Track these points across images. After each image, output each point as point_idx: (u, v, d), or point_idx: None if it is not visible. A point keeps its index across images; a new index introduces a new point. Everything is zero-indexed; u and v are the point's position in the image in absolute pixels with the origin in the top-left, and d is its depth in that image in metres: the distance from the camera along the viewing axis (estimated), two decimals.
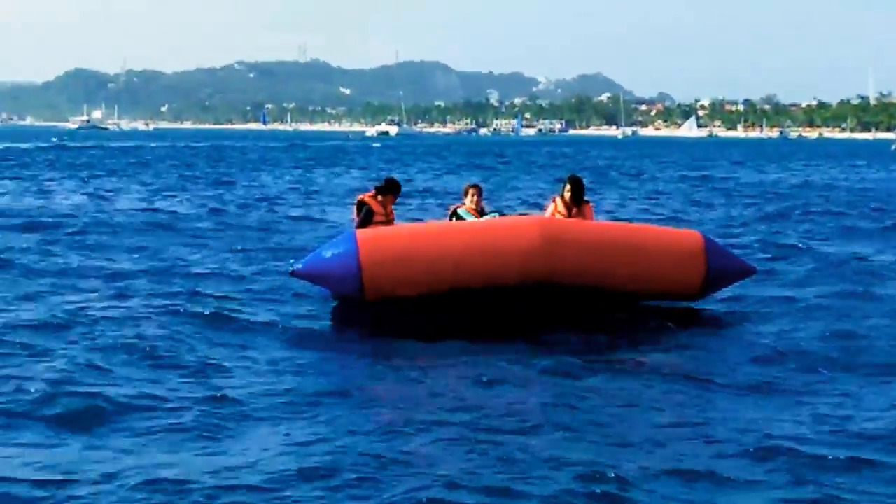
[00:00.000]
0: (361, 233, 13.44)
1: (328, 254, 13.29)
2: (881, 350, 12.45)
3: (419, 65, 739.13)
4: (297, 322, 13.58)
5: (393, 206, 15.01)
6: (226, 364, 11.23)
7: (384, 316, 13.15)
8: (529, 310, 13.28)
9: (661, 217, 29.78)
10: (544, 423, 9.06)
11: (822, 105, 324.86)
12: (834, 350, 12.36)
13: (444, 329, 12.63)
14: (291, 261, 15.15)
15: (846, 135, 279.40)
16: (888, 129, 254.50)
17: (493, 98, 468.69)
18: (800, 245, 23.01)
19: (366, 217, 14.51)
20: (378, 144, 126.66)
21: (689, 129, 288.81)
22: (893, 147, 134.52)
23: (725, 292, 14.94)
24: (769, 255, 21.05)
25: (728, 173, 64.76)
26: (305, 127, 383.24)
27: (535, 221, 13.70)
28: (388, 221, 14.66)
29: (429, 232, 13.84)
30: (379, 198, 14.78)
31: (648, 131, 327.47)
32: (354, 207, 15.00)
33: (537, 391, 10.32)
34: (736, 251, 16.91)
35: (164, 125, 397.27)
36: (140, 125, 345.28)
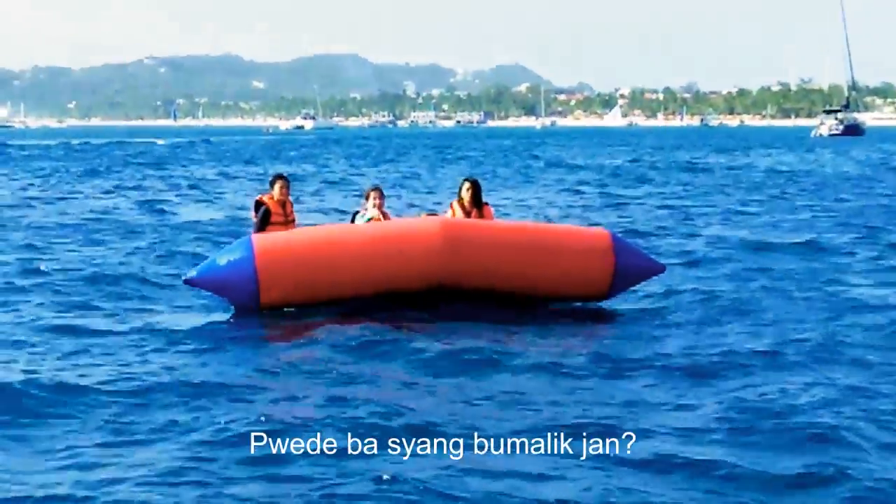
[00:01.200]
0: (258, 238, 13.13)
1: (223, 261, 13.00)
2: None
3: (334, 57, 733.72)
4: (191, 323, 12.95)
5: (294, 204, 14.75)
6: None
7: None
8: (432, 312, 12.94)
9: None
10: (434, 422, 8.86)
11: (742, 92, 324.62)
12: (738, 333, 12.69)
13: (344, 328, 12.22)
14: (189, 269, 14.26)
15: (767, 122, 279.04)
16: (809, 116, 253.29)
17: (410, 90, 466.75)
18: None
19: (263, 217, 14.13)
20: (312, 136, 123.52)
21: (613, 119, 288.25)
22: (813, 133, 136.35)
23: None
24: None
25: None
26: (218, 122, 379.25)
27: (437, 223, 13.24)
28: (288, 221, 14.27)
29: (327, 236, 13.40)
30: (276, 197, 14.27)
31: (568, 121, 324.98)
32: (252, 208, 14.57)
33: (434, 390, 10.03)
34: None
35: (72, 122, 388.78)
36: (52, 123, 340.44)
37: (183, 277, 13.63)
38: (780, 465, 7.97)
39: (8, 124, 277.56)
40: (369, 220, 13.96)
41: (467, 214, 14.13)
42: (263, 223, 14.07)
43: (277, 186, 14.31)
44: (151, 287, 15.87)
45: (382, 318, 12.71)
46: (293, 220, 14.42)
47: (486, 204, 14.45)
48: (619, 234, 14.70)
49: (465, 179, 14.46)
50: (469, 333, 12.13)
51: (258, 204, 14.35)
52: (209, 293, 13.66)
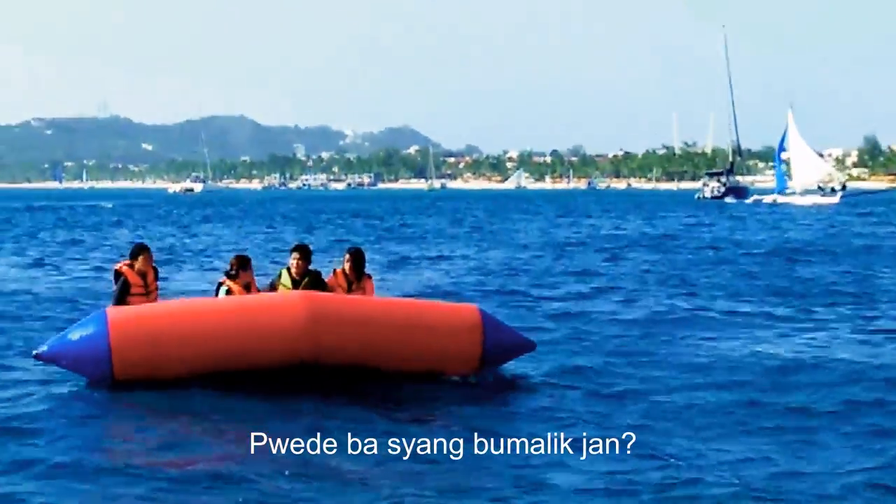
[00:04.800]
0: (113, 312, 12.74)
1: (76, 335, 12.60)
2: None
3: (223, 119, 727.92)
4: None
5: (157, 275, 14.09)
6: None
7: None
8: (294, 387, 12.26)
9: None
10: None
11: (627, 155, 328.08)
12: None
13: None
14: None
15: (652, 185, 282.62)
16: (693, 179, 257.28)
17: (300, 152, 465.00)
18: None
19: (122, 289, 13.59)
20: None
21: (516, 182, 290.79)
22: (697, 196, 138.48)
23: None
24: None
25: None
26: (106, 185, 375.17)
27: (300, 298, 12.79)
28: (149, 291, 13.75)
29: (186, 311, 13.02)
30: (136, 266, 13.69)
31: (458, 184, 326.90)
32: (112, 277, 13.96)
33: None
34: None
35: None
36: None
37: (34, 352, 13.09)
38: None
39: None
40: (228, 293, 13.55)
41: (348, 283, 13.96)
42: (122, 294, 13.62)
43: (140, 258, 13.81)
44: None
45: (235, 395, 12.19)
46: (155, 290, 13.97)
47: (369, 276, 14.26)
48: (489, 311, 14.36)
49: (347, 251, 14.29)
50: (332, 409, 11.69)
51: (117, 274, 13.81)
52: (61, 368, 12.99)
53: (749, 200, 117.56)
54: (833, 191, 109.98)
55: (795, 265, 32.90)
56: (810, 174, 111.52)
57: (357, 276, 14.05)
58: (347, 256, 14.12)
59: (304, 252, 14.04)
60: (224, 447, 8.98)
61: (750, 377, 13.84)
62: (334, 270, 14.24)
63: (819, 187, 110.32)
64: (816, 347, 16.29)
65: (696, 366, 14.79)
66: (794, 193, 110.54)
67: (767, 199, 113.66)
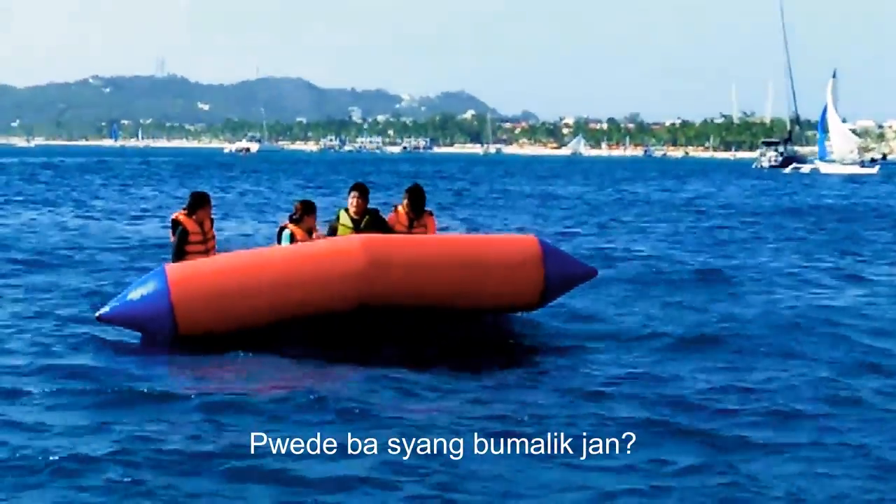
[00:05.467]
0: (172, 269, 12.68)
1: (137, 295, 12.56)
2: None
3: (280, 80, 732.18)
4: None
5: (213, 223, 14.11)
6: None
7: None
8: (360, 333, 12.56)
9: None
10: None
11: (685, 124, 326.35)
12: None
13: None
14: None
15: (709, 153, 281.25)
16: (750, 148, 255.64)
17: (356, 115, 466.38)
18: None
19: (181, 238, 13.58)
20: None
21: (573, 148, 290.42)
22: (754, 165, 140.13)
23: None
24: None
25: None
26: (162, 143, 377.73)
27: (357, 241, 12.66)
28: (207, 240, 13.73)
29: (244, 262, 12.90)
30: (193, 216, 13.68)
31: (513, 149, 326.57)
32: (171, 227, 13.89)
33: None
34: None
35: (14, 141, 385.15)
36: (20, 142, 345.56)
37: (96, 314, 12.97)
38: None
39: None
40: (291, 237, 13.44)
41: (409, 220, 13.91)
42: (181, 243, 13.58)
43: (199, 207, 13.76)
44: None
45: (301, 344, 12.32)
46: (213, 239, 13.91)
47: (430, 212, 14.19)
48: (548, 240, 14.20)
49: (407, 189, 14.16)
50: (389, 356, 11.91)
51: (175, 223, 13.75)
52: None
53: (787, 170, 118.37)
54: (873, 161, 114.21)
55: None
56: (841, 145, 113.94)
57: (417, 214, 13.96)
58: (406, 194, 14.01)
59: (362, 190, 13.83)
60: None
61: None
62: (395, 208, 14.12)
63: (873, 159, 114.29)
64: None
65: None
66: (833, 162, 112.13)
67: (805, 168, 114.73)
